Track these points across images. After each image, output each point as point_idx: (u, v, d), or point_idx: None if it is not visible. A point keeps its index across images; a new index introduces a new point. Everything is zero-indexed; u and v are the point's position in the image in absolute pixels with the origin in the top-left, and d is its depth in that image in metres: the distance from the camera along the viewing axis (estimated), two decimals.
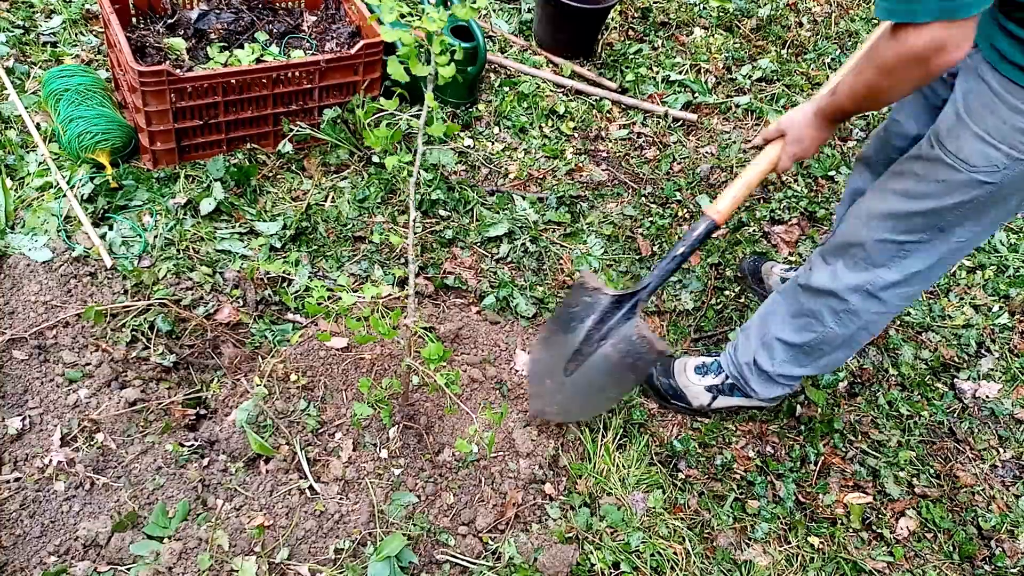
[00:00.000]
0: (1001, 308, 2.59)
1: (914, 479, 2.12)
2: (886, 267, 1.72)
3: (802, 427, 2.18)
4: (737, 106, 3.13)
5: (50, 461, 1.75)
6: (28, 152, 2.37)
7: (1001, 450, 2.24)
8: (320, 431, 1.93)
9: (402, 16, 1.43)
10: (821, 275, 1.83)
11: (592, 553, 1.80)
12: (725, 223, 1.79)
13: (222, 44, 2.53)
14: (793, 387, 2.06)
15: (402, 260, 2.34)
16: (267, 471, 1.84)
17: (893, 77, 1.41)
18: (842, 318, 1.82)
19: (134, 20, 2.56)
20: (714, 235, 2.46)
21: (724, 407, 2.12)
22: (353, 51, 2.43)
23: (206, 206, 2.30)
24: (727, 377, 2.08)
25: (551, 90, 3.03)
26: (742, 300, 2.46)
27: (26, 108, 2.47)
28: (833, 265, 1.80)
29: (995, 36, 1.42)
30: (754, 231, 2.66)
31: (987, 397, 2.34)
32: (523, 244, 2.45)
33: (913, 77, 1.39)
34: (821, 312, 1.84)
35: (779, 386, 2.03)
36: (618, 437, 2.03)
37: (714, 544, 1.89)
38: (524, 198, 2.59)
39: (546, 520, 1.86)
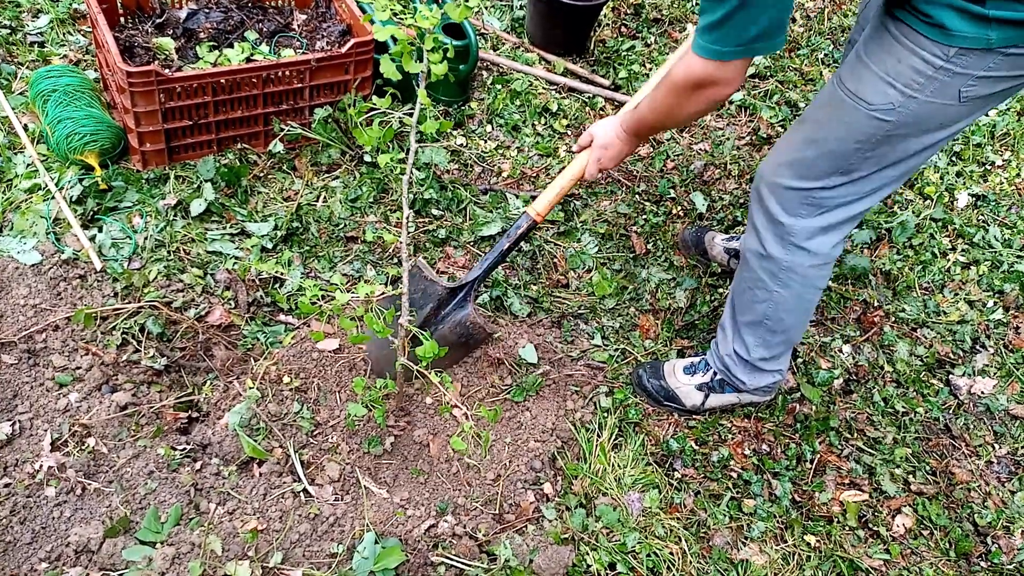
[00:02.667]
0: (996, 304, 2.59)
1: (910, 476, 2.11)
2: (799, 216, 1.76)
3: (798, 425, 2.17)
4: (730, 103, 3.12)
5: (40, 466, 1.73)
6: (16, 154, 2.35)
7: (996, 446, 2.24)
8: (314, 433, 1.91)
9: (395, 14, 1.42)
10: (749, 238, 1.88)
11: (588, 554, 1.80)
12: (543, 220, 1.99)
13: (211, 43, 2.51)
14: (781, 373, 2.06)
15: (395, 260, 2.33)
16: (260, 474, 1.82)
17: (678, 98, 1.62)
18: (781, 278, 1.85)
19: (122, 20, 2.53)
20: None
21: (718, 405, 2.12)
22: (344, 50, 2.41)
23: (196, 207, 2.28)
24: (715, 373, 2.08)
25: (544, 88, 3.02)
26: None
27: (13, 109, 2.45)
28: (755, 224, 1.85)
29: None
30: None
31: (982, 393, 2.34)
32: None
33: (694, 101, 1.60)
34: (762, 278, 1.87)
35: (765, 373, 2.03)
36: (613, 437, 2.02)
37: (710, 544, 1.89)
38: (517, 196, 2.58)
39: (542, 521, 1.85)
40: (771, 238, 1.81)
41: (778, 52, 3.38)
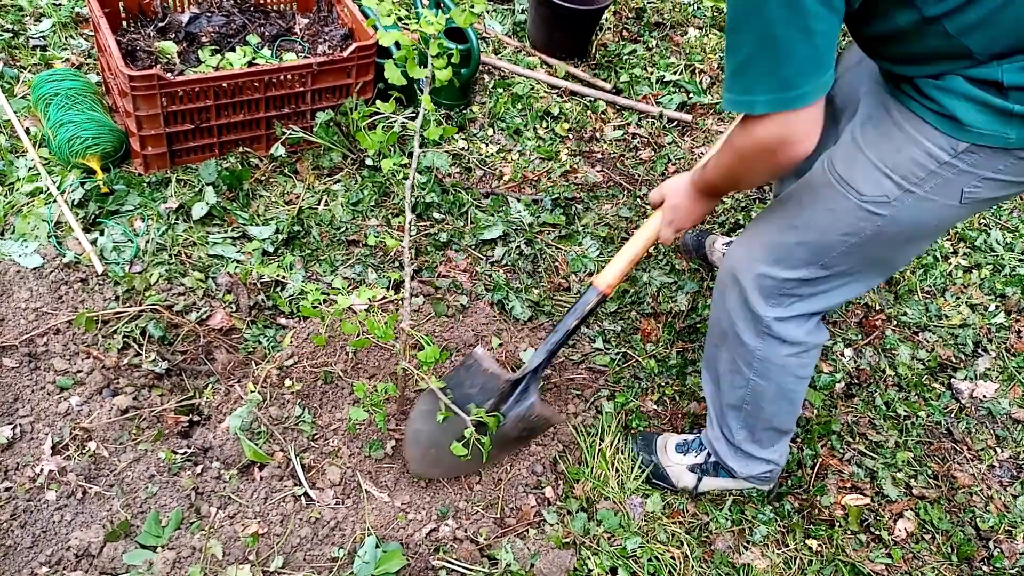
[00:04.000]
0: (998, 307, 2.58)
1: (912, 480, 2.11)
2: (773, 306, 1.59)
3: (799, 429, 2.17)
4: None
5: (41, 470, 1.73)
6: (18, 157, 2.35)
7: (998, 450, 2.23)
8: (315, 436, 1.91)
9: (399, 19, 1.42)
10: (722, 316, 1.70)
11: (589, 558, 1.79)
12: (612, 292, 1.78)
13: (213, 47, 2.52)
14: (776, 463, 1.87)
15: (396, 263, 2.33)
16: (261, 478, 1.82)
17: (746, 164, 1.41)
18: (757, 368, 1.68)
19: (124, 24, 2.54)
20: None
21: (712, 489, 1.95)
22: (346, 54, 2.41)
23: (198, 211, 2.28)
24: (709, 455, 1.91)
25: (545, 91, 3.02)
26: None
27: (15, 113, 2.45)
28: (727, 306, 1.67)
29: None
30: None
31: (984, 397, 2.34)
32: (518, 247, 2.44)
33: (765, 166, 1.38)
34: (739, 365, 1.70)
35: (755, 460, 1.85)
36: (615, 441, 2.02)
37: (712, 548, 1.88)
38: (519, 200, 2.58)
39: (543, 525, 1.85)
40: (743, 325, 1.64)
41: None
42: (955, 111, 1.28)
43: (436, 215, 2.48)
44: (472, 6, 1.43)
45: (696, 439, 1.95)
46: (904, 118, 1.35)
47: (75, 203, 2.24)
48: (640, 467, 1.96)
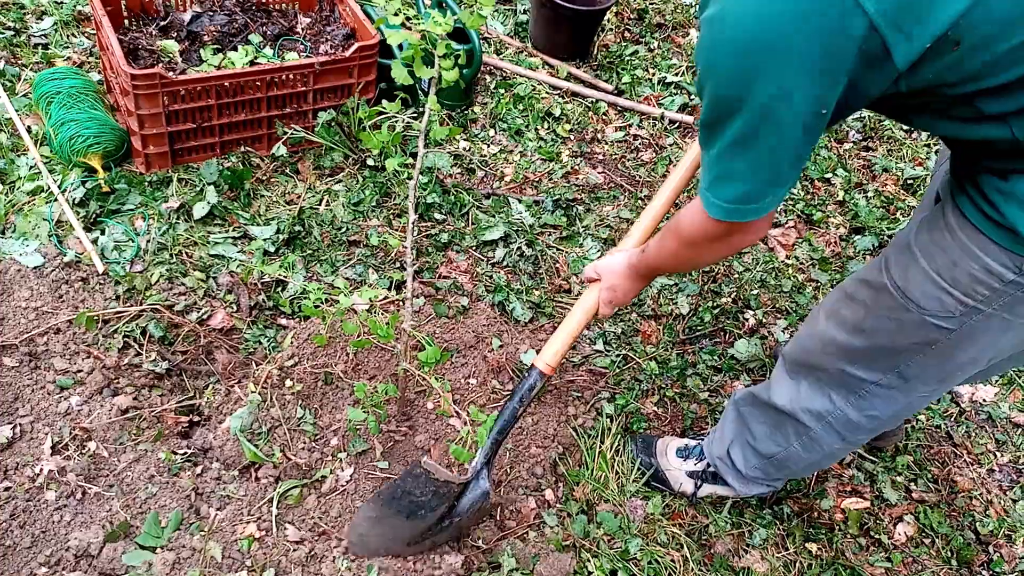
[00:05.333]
0: None
1: (912, 484, 2.11)
2: (847, 402, 1.53)
3: None
4: None
5: (41, 470, 1.73)
6: (19, 156, 2.34)
7: (998, 454, 2.23)
8: (316, 437, 1.91)
9: (407, 19, 1.42)
10: (782, 392, 1.65)
11: (589, 561, 1.79)
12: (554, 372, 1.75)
13: (215, 46, 2.51)
14: (775, 487, 1.89)
15: (397, 264, 2.32)
16: (261, 479, 1.82)
17: (696, 250, 1.36)
18: (805, 443, 1.65)
19: (127, 22, 2.54)
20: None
21: (710, 495, 1.95)
22: (348, 53, 2.41)
23: (199, 210, 2.28)
24: (709, 464, 1.90)
25: (547, 92, 3.02)
26: (738, 304, 2.45)
27: (17, 111, 2.45)
28: (796, 383, 1.62)
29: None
30: None
31: (984, 401, 2.34)
32: (519, 248, 2.43)
33: (711, 254, 1.37)
34: (787, 430, 1.67)
35: (757, 484, 1.85)
36: (615, 443, 2.02)
37: (712, 551, 1.88)
38: (520, 201, 2.58)
39: (543, 527, 1.85)
40: (810, 407, 1.58)
41: None
42: (1016, 224, 1.11)
43: (437, 216, 2.47)
44: (480, 8, 1.42)
45: (698, 446, 1.94)
46: (959, 225, 1.19)
47: (76, 202, 2.24)
48: (639, 469, 1.96)
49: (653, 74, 3.22)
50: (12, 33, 2.72)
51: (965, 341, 1.27)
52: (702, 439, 1.96)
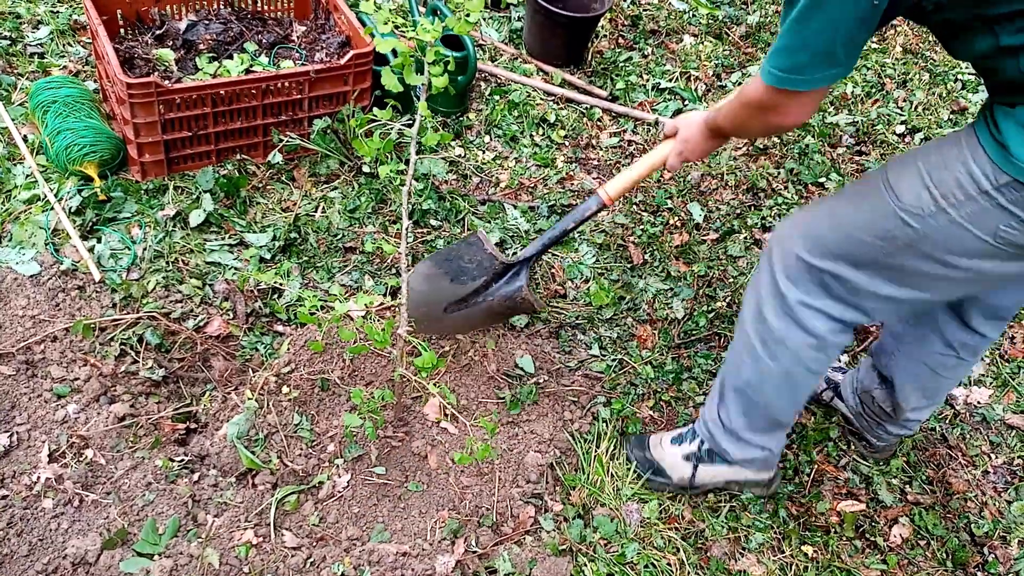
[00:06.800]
0: None
1: (907, 486, 2.12)
2: (801, 291, 1.60)
3: (795, 435, 2.18)
4: None
5: (38, 478, 1.73)
6: (15, 165, 2.35)
7: (993, 456, 2.24)
8: (314, 443, 1.91)
9: (396, 27, 1.44)
10: (750, 293, 1.72)
11: (586, 565, 1.80)
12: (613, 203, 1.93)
13: (211, 55, 2.52)
14: (771, 452, 1.88)
15: (393, 270, 2.33)
16: (258, 485, 1.82)
17: (746, 114, 1.52)
18: (771, 348, 1.68)
19: (122, 31, 2.55)
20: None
21: (710, 481, 1.94)
22: (343, 61, 2.42)
23: (195, 218, 2.28)
24: (702, 442, 1.91)
25: (541, 98, 3.03)
26: (732, 308, 2.46)
27: (13, 120, 2.45)
28: (759, 281, 1.69)
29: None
30: (746, 238, 2.66)
31: (978, 403, 2.35)
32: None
33: (759, 122, 1.51)
34: (753, 344, 1.71)
35: (750, 446, 1.85)
36: (612, 447, 2.02)
37: (708, 554, 1.89)
38: (515, 207, 2.59)
39: (540, 532, 1.85)
40: (770, 303, 1.65)
41: None
42: (1008, 140, 1.25)
43: (433, 222, 2.48)
44: (468, 14, 1.44)
45: (690, 429, 1.96)
46: (966, 137, 1.33)
47: (72, 210, 2.25)
48: (636, 468, 1.97)
49: (647, 80, 3.23)
50: (8, 42, 2.73)
51: (923, 243, 1.39)
52: (693, 424, 1.97)
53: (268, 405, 1.94)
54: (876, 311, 1.59)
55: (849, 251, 1.51)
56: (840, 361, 2.38)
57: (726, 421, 1.84)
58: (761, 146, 3.00)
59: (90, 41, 2.69)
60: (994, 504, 2.12)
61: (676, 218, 2.70)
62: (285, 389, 1.97)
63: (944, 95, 3.41)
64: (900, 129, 3.22)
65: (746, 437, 1.84)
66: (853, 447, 2.17)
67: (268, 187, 2.47)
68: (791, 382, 1.72)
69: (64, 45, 2.79)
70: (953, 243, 1.36)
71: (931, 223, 1.35)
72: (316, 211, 2.43)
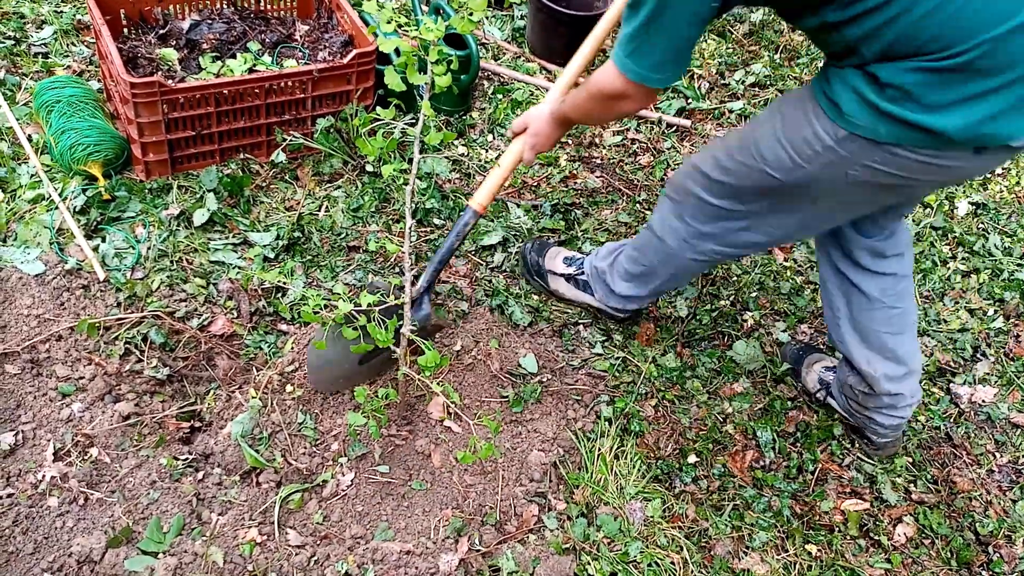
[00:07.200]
0: (996, 312, 2.59)
1: (911, 485, 2.12)
2: (693, 217, 1.83)
3: (799, 434, 2.17)
4: (730, 112, 3.13)
5: (43, 476, 1.74)
6: (20, 164, 2.36)
7: (997, 455, 2.24)
8: (318, 442, 1.92)
9: (399, 27, 1.44)
10: (657, 210, 1.97)
11: (589, 563, 1.80)
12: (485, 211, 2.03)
13: (214, 54, 2.53)
14: (637, 303, 2.17)
15: (396, 269, 2.33)
16: (262, 484, 1.82)
17: (599, 104, 1.68)
18: (664, 257, 1.95)
19: (125, 31, 2.55)
20: None
21: (573, 298, 2.27)
22: (346, 60, 2.42)
23: (199, 217, 2.29)
24: (583, 275, 2.21)
25: (544, 97, 3.03)
26: (736, 306, 2.46)
27: (17, 120, 2.46)
28: (661, 201, 1.93)
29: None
30: None
31: (983, 402, 2.34)
32: (518, 252, 2.44)
33: (610, 110, 1.70)
34: (648, 247, 1.98)
35: (619, 299, 2.15)
36: (615, 446, 2.02)
37: (712, 553, 1.89)
38: (518, 206, 2.59)
39: (543, 531, 1.85)
40: (665, 218, 1.90)
41: (778, 60, 3.40)
42: (839, 99, 1.43)
43: (436, 221, 2.49)
44: (471, 13, 1.44)
45: (582, 259, 2.24)
46: (809, 98, 1.52)
47: (77, 210, 2.25)
48: (520, 263, 2.29)
49: None
50: (12, 42, 2.73)
51: (792, 188, 1.61)
52: (588, 255, 2.24)
53: (272, 404, 1.94)
54: (759, 237, 1.81)
55: (733, 192, 1.74)
56: (832, 361, 2.38)
57: (610, 284, 2.12)
58: None
59: (94, 41, 2.70)
60: (999, 503, 2.12)
61: None
62: (289, 388, 1.97)
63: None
64: None
65: (619, 291, 2.12)
66: (857, 446, 2.17)
67: (272, 186, 2.47)
68: (680, 274, 2.02)
69: (68, 45, 2.80)
70: (818, 187, 1.58)
71: (794, 174, 1.57)
72: (320, 210, 2.43)
